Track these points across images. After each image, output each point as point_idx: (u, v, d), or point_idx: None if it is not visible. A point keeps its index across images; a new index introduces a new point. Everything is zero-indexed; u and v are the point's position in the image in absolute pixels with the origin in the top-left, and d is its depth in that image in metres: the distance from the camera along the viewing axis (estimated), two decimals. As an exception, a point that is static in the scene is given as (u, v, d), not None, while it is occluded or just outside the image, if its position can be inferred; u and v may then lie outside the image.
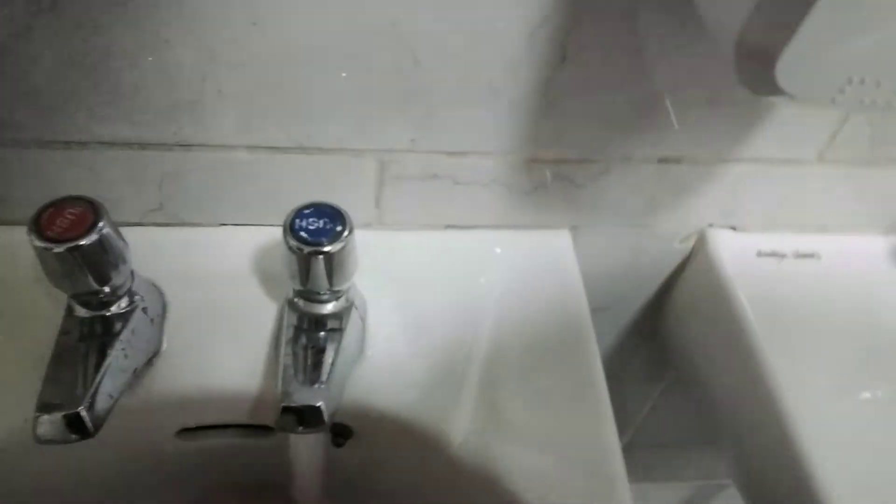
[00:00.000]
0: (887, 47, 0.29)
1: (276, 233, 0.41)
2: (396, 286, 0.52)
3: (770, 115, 0.50)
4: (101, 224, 0.38)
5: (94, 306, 0.43)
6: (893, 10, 0.28)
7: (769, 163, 0.53)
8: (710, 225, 0.58)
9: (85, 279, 0.40)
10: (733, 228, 0.59)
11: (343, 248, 0.41)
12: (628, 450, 0.48)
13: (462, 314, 0.51)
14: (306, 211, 0.42)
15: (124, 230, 0.41)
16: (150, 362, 0.46)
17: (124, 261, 0.41)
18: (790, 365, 0.52)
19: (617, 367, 0.76)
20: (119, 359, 0.42)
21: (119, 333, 0.42)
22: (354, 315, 0.47)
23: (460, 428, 0.46)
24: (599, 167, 0.51)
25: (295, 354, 0.44)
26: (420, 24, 0.41)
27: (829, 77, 0.31)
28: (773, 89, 0.31)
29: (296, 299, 0.45)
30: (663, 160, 0.51)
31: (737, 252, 0.58)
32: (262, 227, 0.52)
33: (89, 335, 0.43)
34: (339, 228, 0.41)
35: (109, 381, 0.41)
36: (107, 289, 0.41)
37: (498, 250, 0.55)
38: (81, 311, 0.42)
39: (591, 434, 0.46)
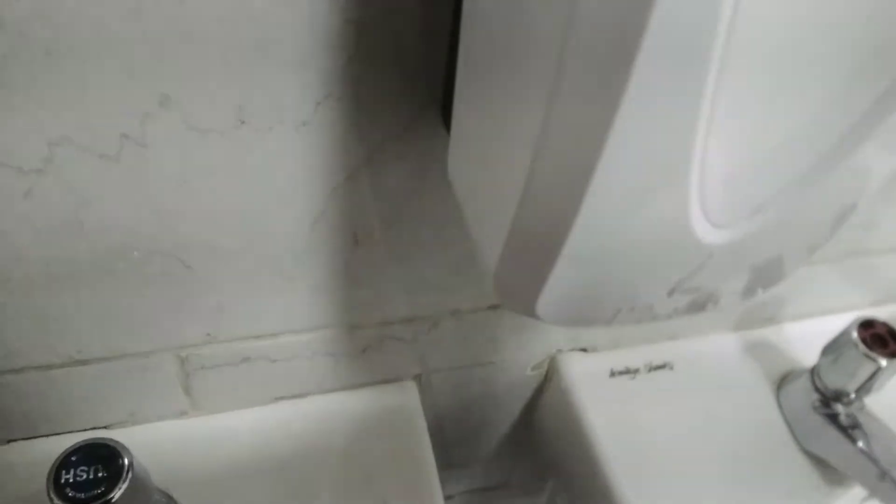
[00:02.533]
0: (632, 283, 0.27)
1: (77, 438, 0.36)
2: (220, 481, 0.47)
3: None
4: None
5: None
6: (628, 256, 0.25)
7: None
8: (560, 350, 0.56)
9: None
10: (584, 350, 0.56)
11: (125, 492, 0.36)
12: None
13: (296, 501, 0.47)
14: (73, 458, 0.36)
15: None
16: None
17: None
18: (644, 494, 0.50)
19: (500, 478, 0.73)
20: None
21: None
22: (162, 544, 0.41)
23: None
24: (427, 323, 0.48)
25: None
26: (181, 237, 0.36)
27: (597, 309, 0.28)
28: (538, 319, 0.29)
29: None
30: (494, 307, 0.49)
31: (589, 374, 0.56)
32: (58, 435, 0.46)
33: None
34: (115, 471, 0.36)
35: None
36: None
37: (333, 417, 0.50)
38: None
39: None
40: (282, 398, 0.50)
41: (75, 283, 0.37)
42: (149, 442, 0.48)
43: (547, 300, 0.26)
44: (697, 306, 0.29)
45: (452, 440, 0.65)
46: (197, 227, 0.36)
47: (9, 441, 0.46)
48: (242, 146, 0.33)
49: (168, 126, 0.31)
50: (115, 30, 0.27)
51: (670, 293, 0.28)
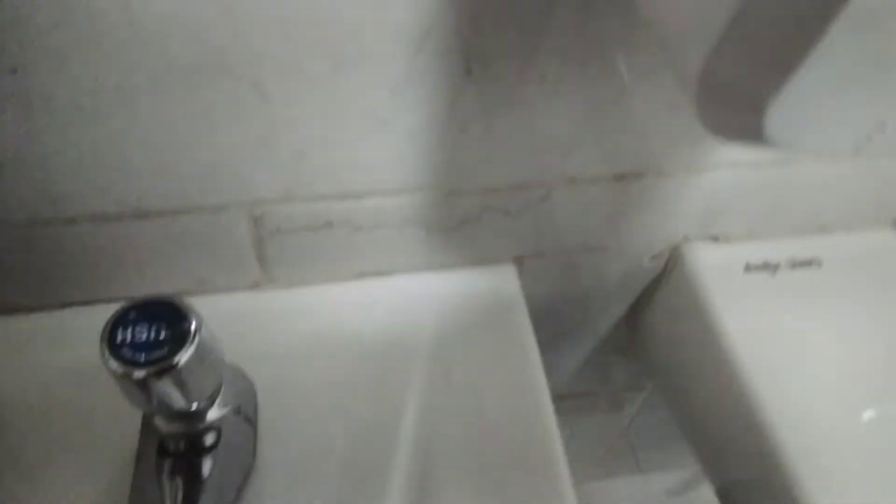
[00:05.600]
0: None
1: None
2: (296, 359, 0.41)
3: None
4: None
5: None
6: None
7: (752, 166, 0.42)
8: (686, 238, 0.47)
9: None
10: (715, 239, 0.48)
11: (192, 358, 0.31)
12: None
13: (382, 389, 0.41)
14: (130, 315, 0.31)
15: None
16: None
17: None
18: (784, 398, 0.42)
19: (588, 385, 0.67)
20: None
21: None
22: (235, 421, 0.36)
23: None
24: (538, 193, 0.40)
25: (150, 493, 0.34)
26: (256, 52, 0.29)
27: (850, 123, 0.19)
28: (760, 140, 0.20)
29: (152, 418, 0.35)
30: (620, 177, 0.40)
31: (720, 268, 0.47)
32: (119, 302, 0.41)
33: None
34: (179, 333, 0.30)
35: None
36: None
37: (421, 299, 0.44)
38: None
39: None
40: (365, 275, 0.44)
41: (127, 106, 0.30)
42: (218, 313, 0.42)
43: (785, 104, 0.18)
44: None
45: (543, 339, 0.58)
46: (274, 40, 0.28)
47: (63, 305, 0.41)
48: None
49: None
50: None
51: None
